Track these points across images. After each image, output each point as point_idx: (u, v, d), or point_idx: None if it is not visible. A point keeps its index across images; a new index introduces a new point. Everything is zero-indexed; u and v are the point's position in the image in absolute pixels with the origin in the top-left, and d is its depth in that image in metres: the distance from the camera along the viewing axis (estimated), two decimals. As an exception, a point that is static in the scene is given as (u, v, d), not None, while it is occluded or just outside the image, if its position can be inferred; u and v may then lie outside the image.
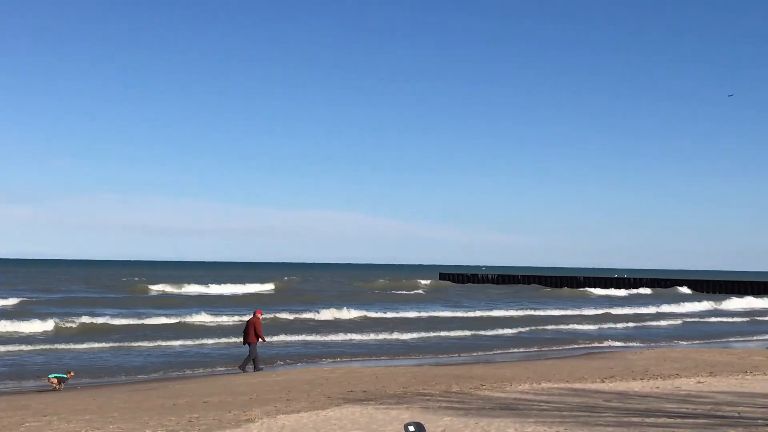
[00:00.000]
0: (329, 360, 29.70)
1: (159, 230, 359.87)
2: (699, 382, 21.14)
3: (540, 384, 20.85)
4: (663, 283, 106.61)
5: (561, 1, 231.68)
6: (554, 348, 34.79)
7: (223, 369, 27.19)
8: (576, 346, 35.52)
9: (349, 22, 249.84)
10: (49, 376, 23.10)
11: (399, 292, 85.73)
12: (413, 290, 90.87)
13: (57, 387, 22.58)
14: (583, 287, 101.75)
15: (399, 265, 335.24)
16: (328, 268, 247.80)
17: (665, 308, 61.85)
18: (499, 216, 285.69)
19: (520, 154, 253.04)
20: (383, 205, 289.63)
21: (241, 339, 28.15)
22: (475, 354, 32.26)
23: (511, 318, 49.52)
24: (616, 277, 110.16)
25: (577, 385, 20.58)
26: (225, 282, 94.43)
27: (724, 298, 76.03)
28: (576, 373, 23.90)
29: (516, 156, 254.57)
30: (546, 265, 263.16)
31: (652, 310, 60.31)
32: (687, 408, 15.71)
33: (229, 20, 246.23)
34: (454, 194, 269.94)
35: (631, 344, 37.02)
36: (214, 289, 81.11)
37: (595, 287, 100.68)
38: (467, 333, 39.68)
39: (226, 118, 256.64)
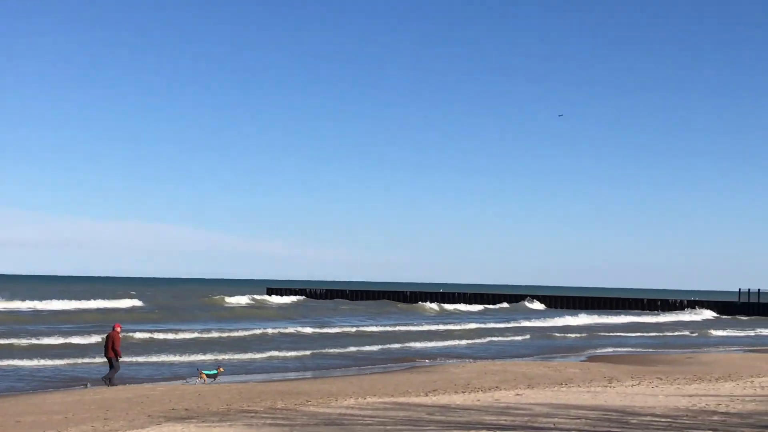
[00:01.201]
0: (159, 379, 28.76)
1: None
2: (518, 395, 21.79)
3: (365, 399, 20.93)
4: (514, 297, 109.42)
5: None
6: (380, 364, 35.03)
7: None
8: (408, 363, 35.83)
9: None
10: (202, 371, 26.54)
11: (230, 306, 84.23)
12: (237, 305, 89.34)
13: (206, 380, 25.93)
14: (417, 301, 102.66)
15: (225, 279, 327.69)
16: (152, 283, 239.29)
17: (514, 324, 62.44)
18: (321, 230, 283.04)
19: (349, 169, 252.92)
20: (187, 214, 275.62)
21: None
22: (302, 371, 32.03)
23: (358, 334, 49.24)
24: (439, 293, 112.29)
25: (402, 399, 20.79)
26: (43, 298, 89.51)
27: (573, 313, 78.90)
28: (401, 387, 24.16)
29: (346, 170, 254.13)
30: (384, 280, 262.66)
31: (502, 324, 61.22)
32: (506, 420, 16.13)
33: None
34: (275, 207, 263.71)
35: (467, 360, 37.68)
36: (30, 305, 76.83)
37: (430, 302, 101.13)
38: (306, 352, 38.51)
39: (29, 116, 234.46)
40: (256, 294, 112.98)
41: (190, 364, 31.83)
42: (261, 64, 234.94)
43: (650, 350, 44.23)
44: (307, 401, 20.47)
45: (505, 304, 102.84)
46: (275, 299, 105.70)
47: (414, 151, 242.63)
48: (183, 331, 46.26)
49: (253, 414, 17.91)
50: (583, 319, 71.07)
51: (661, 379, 27.05)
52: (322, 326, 54.31)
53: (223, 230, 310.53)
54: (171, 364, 32.46)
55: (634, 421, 15.72)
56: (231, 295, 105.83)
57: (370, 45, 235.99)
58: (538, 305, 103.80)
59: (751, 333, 61.34)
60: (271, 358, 35.64)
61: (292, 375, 30.15)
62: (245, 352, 37.09)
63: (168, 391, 23.30)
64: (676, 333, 60.43)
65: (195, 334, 44.53)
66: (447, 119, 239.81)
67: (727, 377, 27.83)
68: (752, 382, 25.93)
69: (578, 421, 15.84)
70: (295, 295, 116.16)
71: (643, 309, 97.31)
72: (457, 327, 57.88)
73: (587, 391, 22.79)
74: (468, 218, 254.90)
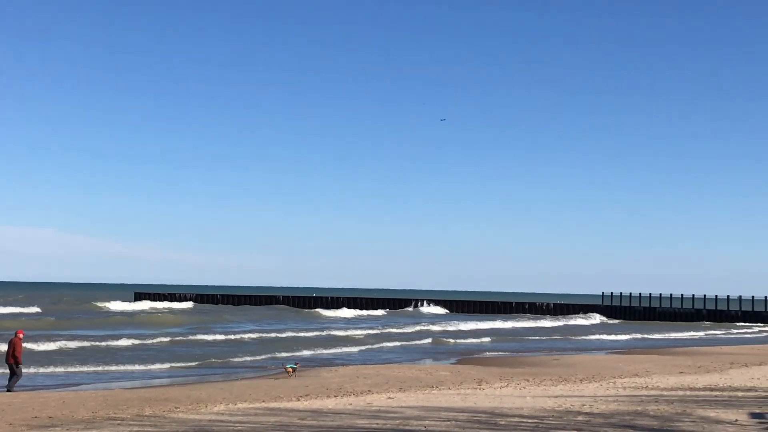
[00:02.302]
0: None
1: None
2: (389, 398, 21.92)
3: (236, 404, 20.67)
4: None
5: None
6: (255, 370, 34.68)
7: None
8: (281, 368, 35.49)
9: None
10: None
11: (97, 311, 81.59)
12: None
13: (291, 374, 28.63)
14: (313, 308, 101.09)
15: (89, 284, 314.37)
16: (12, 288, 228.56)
17: (400, 329, 61.90)
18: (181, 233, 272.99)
19: (211, 170, 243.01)
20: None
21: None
22: (169, 378, 31.38)
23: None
24: (318, 298, 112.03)
25: (273, 404, 20.63)
26: None
27: (471, 318, 79.34)
28: (272, 392, 23.98)
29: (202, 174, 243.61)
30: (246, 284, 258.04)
31: (390, 330, 60.80)
32: (378, 423, 16.19)
33: None
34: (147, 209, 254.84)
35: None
36: None
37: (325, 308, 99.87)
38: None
39: None
40: (124, 299, 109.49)
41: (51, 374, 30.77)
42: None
43: (521, 353, 45.24)
44: (176, 408, 20.06)
45: (408, 308, 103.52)
46: (160, 305, 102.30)
47: (297, 151, 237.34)
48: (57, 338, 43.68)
49: (119, 421, 17.43)
50: (475, 324, 71.29)
51: (528, 381, 27.72)
52: (210, 333, 52.38)
53: (86, 233, 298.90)
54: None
55: (502, 422, 16.02)
56: (103, 300, 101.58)
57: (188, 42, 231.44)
58: (437, 309, 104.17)
59: (624, 337, 62.53)
60: (147, 366, 34.67)
61: (162, 381, 29.48)
62: (120, 363, 35.60)
63: (30, 399, 22.45)
64: (555, 336, 62.06)
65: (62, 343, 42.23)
66: (323, 120, 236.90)
67: (591, 378, 28.74)
68: (614, 382, 26.85)
69: (448, 423, 16.03)
70: (165, 300, 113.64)
71: (543, 313, 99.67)
72: (347, 333, 56.19)
73: (458, 394, 23.12)
74: (358, 223, 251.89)
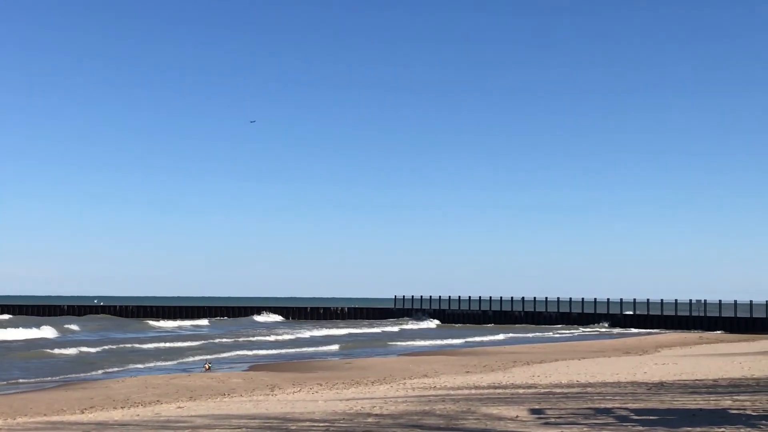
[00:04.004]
0: None
1: None
2: (179, 407, 21.44)
3: (15, 419, 19.60)
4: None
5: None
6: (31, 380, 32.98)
7: None
8: (61, 379, 33.93)
9: None
10: None
11: None
12: None
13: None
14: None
15: None
16: None
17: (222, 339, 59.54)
18: None
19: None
20: None
21: None
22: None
23: None
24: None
25: (56, 418, 19.69)
26: None
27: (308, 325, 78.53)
28: (55, 406, 22.91)
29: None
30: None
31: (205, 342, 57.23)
32: (166, 434, 15.79)
33: None
34: None
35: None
36: None
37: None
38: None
39: None
40: None
41: None
42: None
43: (315, 359, 45.42)
44: (-54, 426, 18.76)
45: (244, 318, 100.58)
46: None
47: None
48: None
49: None
50: (310, 331, 70.27)
51: (321, 385, 27.89)
52: None
53: None
54: None
55: (293, 428, 15.99)
56: None
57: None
58: (274, 317, 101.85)
59: (440, 342, 62.27)
60: None
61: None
62: None
63: None
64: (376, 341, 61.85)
65: None
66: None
67: (383, 380, 29.30)
68: (405, 384, 27.48)
69: (239, 430, 15.84)
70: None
71: (389, 318, 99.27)
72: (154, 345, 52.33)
73: (249, 400, 22.94)
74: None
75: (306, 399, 22.80)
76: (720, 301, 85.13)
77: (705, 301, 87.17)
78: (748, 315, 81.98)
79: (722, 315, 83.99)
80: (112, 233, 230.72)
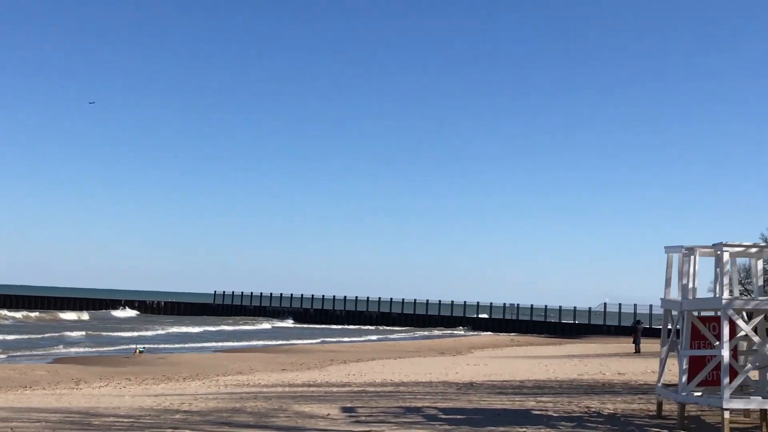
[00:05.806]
0: None
1: None
2: (-27, 400, 20.26)
3: None
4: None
5: None
6: None
7: None
8: None
9: None
10: None
11: None
12: None
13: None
14: None
15: None
16: None
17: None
18: None
19: None
20: None
21: None
22: None
23: None
24: None
25: None
26: None
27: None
28: None
29: None
30: None
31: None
32: (-44, 428, 14.84)
33: None
34: None
35: None
36: None
37: None
38: None
39: None
40: None
41: None
42: None
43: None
44: None
45: (102, 311, 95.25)
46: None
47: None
48: None
49: None
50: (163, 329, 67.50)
51: (129, 380, 27.04)
52: None
53: None
54: None
55: (96, 423, 15.37)
56: None
57: None
58: (130, 312, 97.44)
59: (279, 341, 59.92)
60: None
61: None
62: None
63: None
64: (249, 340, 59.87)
65: None
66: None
67: (195, 376, 28.70)
68: (217, 380, 27.00)
69: (38, 424, 15.09)
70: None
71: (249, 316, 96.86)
72: None
73: (53, 394, 22.00)
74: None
75: (112, 394, 22.03)
76: (546, 306, 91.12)
77: (518, 305, 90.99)
78: (572, 321, 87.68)
79: (533, 319, 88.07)
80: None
